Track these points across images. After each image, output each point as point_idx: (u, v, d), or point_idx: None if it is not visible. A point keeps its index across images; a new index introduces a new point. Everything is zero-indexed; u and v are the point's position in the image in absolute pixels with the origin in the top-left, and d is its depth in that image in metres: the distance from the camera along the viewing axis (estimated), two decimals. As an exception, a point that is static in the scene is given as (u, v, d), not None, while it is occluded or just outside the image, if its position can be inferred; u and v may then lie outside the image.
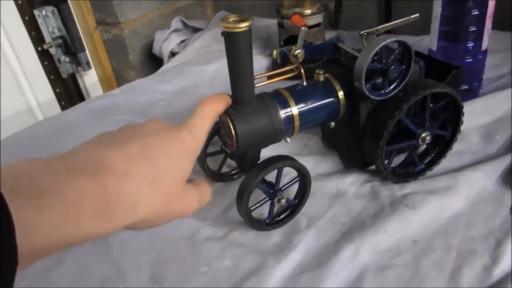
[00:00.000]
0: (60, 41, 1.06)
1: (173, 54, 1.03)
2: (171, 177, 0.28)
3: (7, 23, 0.98)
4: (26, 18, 1.01)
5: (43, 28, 1.03)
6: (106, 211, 0.23)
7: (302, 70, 0.46)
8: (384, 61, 0.43)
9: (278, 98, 0.45)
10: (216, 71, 0.82)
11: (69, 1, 1.03)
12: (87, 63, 1.09)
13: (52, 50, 1.06)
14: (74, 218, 0.22)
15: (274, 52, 0.48)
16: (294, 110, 0.45)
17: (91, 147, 0.26)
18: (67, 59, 1.08)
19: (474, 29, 0.59)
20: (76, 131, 0.70)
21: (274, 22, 0.88)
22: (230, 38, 0.39)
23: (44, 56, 1.07)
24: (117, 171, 0.24)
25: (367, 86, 0.43)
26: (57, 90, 1.11)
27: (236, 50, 0.39)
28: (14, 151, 0.64)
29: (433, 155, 0.52)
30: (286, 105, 0.45)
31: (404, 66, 0.44)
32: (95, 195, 0.23)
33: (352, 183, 0.52)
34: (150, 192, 0.26)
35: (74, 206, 0.22)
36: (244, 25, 0.37)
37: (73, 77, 1.13)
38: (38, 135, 0.71)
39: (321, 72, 0.47)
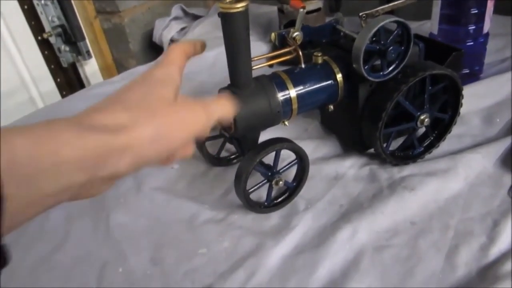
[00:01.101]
0: (59, 30, 1.06)
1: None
2: (147, 101, 0.27)
3: (6, 13, 0.97)
4: (26, 7, 1.00)
5: (42, 17, 1.02)
6: (95, 131, 0.24)
7: (300, 53, 0.46)
8: (382, 42, 0.43)
9: (276, 81, 0.45)
10: (216, 57, 0.82)
11: (68, -11, 1.02)
12: (88, 52, 1.09)
13: (52, 39, 1.06)
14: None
15: (273, 34, 0.48)
16: (292, 92, 0.45)
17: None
18: (67, 48, 1.08)
19: (476, 11, 0.58)
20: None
21: (274, 8, 0.87)
22: (226, 19, 0.39)
23: (44, 46, 1.07)
24: (90, 111, 0.25)
25: (366, 67, 0.43)
26: (58, 79, 1.11)
27: (233, 30, 0.39)
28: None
29: (432, 138, 0.52)
30: (284, 87, 0.45)
31: (403, 47, 0.44)
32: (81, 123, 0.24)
33: (351, 166, 0.52)
34: (131, 116, 0.25)
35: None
36: (240, 5, 0.37)
37: (73, 66, 1.13)
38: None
39: (319, 55, 0.47)
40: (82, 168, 0.22)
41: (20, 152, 0.20)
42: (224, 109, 0.32)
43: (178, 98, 0.30)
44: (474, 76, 0.65)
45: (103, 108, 0.25)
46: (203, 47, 0.36)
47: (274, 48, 0.82)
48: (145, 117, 0.26)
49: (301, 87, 0.45)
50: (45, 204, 0.22)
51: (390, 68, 0.45)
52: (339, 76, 0.47)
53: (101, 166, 0.23)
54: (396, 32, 0.43)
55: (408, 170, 0.50)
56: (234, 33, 0.39)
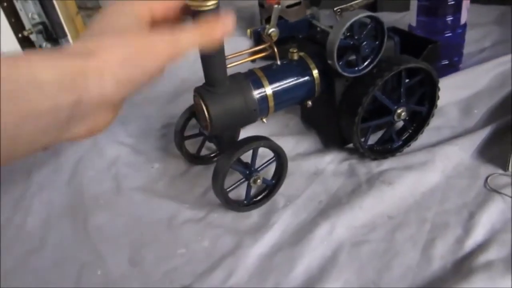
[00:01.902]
0: (40, 27, 1.04)
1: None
2: (115, 26, 0.28)
3: (-16, 11, 0.95)
4: (5, 4, 0.98)
5: (22, 14, 1.00)
6: (70, 55, 0.25)
7: (276, 49, 0.46)
8: (356, 37, 0.43)
9: (252, 78, 0.44)
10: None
11: (47, -14, 1.00)
12: (70, 49, 1.08)
13: (33, 37, 1.04)
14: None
15: (248, 31, 0.48)
16: (268, 90, 0.45)
17: None
18: (49, 46, 1.06)
19: (453, 2, 0.58)
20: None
21: (256, 3, 0.86)
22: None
23: (25, 43, 1.05)
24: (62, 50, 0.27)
25: (340, 63, 0.43)
26: (40, 77, 1.10)
27: (205, 29, 0.38)
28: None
29: (410, 131, 0.52)
30: (259, 85, 0.44)
31: (377, 42, 0.44)
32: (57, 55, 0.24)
33: (331, 162, 0.52)
34: (101, 39, 0.26)
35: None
36: (211, 3, 0.36)
37: (56, 64, 1.12)
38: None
39: (295, 51, 0.47)
40: (63, 88, 0.23)
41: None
42: (201, 36, 0.30)
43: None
44: (453, 67, 0.65)
45: (80, 41, 0.27)
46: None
47: (257, 43, 0.82)
48: (112, 42, 0.26)
49: (277, 84, 0.45)
50: (39, 125, 0.23)
51: (365, 63, 0.44)
52: (315, 72, 0.46)
53: (83, 87, 0.24)
54: (369, 27, 0.42)
55: (387, 164, 0.50)
56: (206, 32, 0.38)
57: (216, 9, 0.37)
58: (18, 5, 0.99)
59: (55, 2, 1.03)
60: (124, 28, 0.28)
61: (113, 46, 0.26)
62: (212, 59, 0.41)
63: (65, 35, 1.06)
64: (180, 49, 0.29)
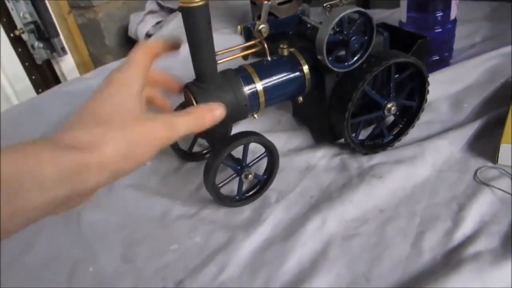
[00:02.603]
0: (32, 26, 1.04)
1: (148, 36, 1.01)
2: (116, 114, 0.28)
3: (-25, 10, 0.95)
4: (-4, 4, 0.98)
5: (13, 14, 1.00)
6: (69, 149, 0.25)
7: (266, 45, 0.46)
8: (345, 33, 0.43)
9: (242, 74, 0.45)
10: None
11: (39, -15, 1.00)
12: (62, 48, 1.07)
13: (25, 36, 1.04)
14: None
15: (239, 27, 0.48)
16: (259, 86, 0.45)
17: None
18: (41, 45, 1.06)
19: (442, -2, 0.59)
20: (49, 115, 0.69)
21: (248, 0, 0.86)
22: (187, 14, 0.38)
23: (17, 43, 1.05)
24: (66, 129, 0.27)
25: (330, 58, 0.43)
26: (33, 77, 1.09)
27: (194, 25, 0.39)
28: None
29: (401, 125, 0.53)
30: (250, 81, 0.45)
31: (366, 37, 0.44)
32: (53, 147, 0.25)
33: (322, 157, 0.52)
34: (103, 131, 0.27)
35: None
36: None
37: (48, 63, 1.11)
38: (10, 120, 0.71)
39: (285, 47, 0.47)
40: (63, 184, 0.24)
41: (3, 171, 0.22)
42: (195, 121, 0.32)
43: (144, 103, 0.31)
44: (444, 62, 0.65)
45: (77, 124, 0.27)
46: (177, 44, 0.37)
47: (248, 39, 0.82)
48: (113, 134, 0.27)
49: (268, 80, 0.45)
50: (30, 217, 0.24)
51: (355, 58, 0.45)
52: (305, 68, 0.47)
53: (82, 181, 0.25)
54: (358, 22, 0.43)
55: (378, 158, 0.50)
56: (196, 28, 0.39)
57: (206, 5, 0.38)
58: (9, 5, 0.98)
59: (47, 2, 1.03)
60: (129, 111, 0.29)
61: (115, 139, 0.27)
62: (202, 55, 0.41)
63: (57, 35, 1.06)
64: (175, 134, 0.31)
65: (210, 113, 0.33)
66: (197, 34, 0.39)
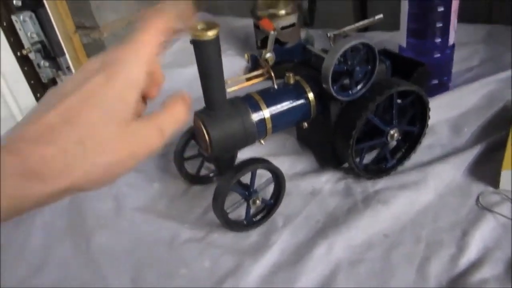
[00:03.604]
0: (39, 46, 1.06)
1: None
2: (103, 130, 0.25)
3: (-16, 31, 0.97)
4: (4, 24, 1.00)
5: (21, 34, 1.02)
6: (33, 177, 0.23)
7: (273, 74, 0.47)
8: (350, 63, 0.44)
9: (250, 102, 0.46)
10: (195, 73, 0.81)
11: (46, 6, 1.02)
12: (68, 67, 1.09)
13: (32, 55, 1.06)
14: None
15: (246, 56, 0.49)
16: (266, 113, 0.46)
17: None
18: (47, 64, 1.08)
19: (441, 25, 0.61)
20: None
21: (251, 22, 0.88)
22: (198, 46, 0.40)
23: (24, 62, 1.06)
24: (36, 140, 0.24)
25: (335, 87, 0.45)
26: (38, 95, 1.11)
27: (205, 57, 0.40)
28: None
29: (403, 150, 0.54)
30: (257, 108, 0.46)
31: (369, 67, 0.46)
32: (11, 163, 0.23)
33: (327, 181, 0.53)
34: (80, 154, 0.24)
35: None
36: (211, 33, 0.38)
37: (54, 81, 1.13)
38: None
39: (291, 75, 0.48)
40: (14, 213, 0.23)
41: None
42: (177, 120, 0.30)
43: (97, 75, 0.26)
44: (443, 86, 0.67)
45: (49, 133, 0.24)
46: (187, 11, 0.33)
47: (254, 66, 0.84)
48: (95, 155, 0.25)
49: (275, 108, 0.47)
50: None
51: (358, 87, 0.46)
52: (310, 95, 0.48)
53: (35, 207, 0.24)
54: (362, 53, 0.44)
55: (382, 183, 0.51)
56: (207, 59, 0.40)
57: (217, 38, 0.39)
58: (17, 25, 1.00)
59: (53, 22, 1.05)
60: (116, 122, 0.26)
61: (93, 165, 0.24)
62: (212, 84, 0.42)
63: (63, 54, 1.08)
64: (165, 139, 0.28)
65: (184, 107, 0.30)
66: (208, 65, 0.41)
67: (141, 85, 0.27)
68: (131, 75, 0.27)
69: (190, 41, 0.40)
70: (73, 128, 0.24)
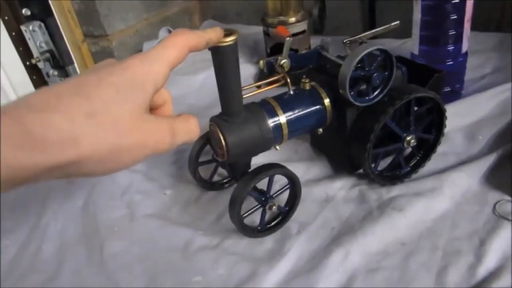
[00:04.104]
0: (48, 55, 1.06)
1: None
2: (115, 109, 0.24)
3: (-6, 39, 0.97)
4: (13, 33, 1.01)
5: (30, 43, 1.03)
6: (34, 145, 0.21)
7: (289, 80, 0.47)
8: (367, 69, 0.44)
9: (266, 108, 0.46)
10: (204, 80, 0.83)
11: (55, 15, 1.03)
12: (76, 75, 1.10)
13: (40, 65, 1.06)
14: None
15: (261, 62, 0.49)
16: (282, 118, 0.46)
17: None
18: (56, 73, 1.08)
19: (454, 32, 0.61)
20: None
21: (260, 29, 0.89)
22: (217, 52, 0.40)
23: (33, 71, 1.07)
24: (40, 107, 0.22)
25: (352, 93, 0.44)
26: (47, 103, 1.11)
27: (224, 63, 0.40)
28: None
29: (418, 157, 0.53)
30: (274, 114, 0.46)
31: (386, 73, 0.46)
32: (10, 129, 0.21)
33: (341, 188, 0.53)
34: (90, 126, 0.23)
35: None
36: (230, 39, 0.38)
37: (62, 89, 1.13)
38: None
39: (307, 81, 0.48)
40: (8, 184, 0.21)
41: None
42: (190, 134, 0.30)
43: (119, 61, 0.27)
44: (455, 94, 0.67)
45: (60, 104, 0.23)
46: (216, 37, 0.34)
47: (262, 72, 0.84)
48: (105, 131, 0.23)
49: (291, 113, 0.47)
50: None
51: (375, 93, 0.46)
52: (326, 101, 0.48)
53: (31, 180, 0.22)
54: (379, 59, 0.44)
55: (396, 190, 0.51)
56: (225, 66, 0.40)
57: (235, 44, 0.39)
58: (27, 35, 1.01)
59: (62, 31, 1.06)
60: (130, 109, 0.25)
61: (104, 139, 0.23)
62: (229, 91, 0.42)
63: (71, 63, 1.08)
64: (174, 146, 0.28)
65: (197, 126, 0.31)
66: (226, 72, 0.41)
67: (160, 83, 0.27)
68: (153, 69, 0.27)
69: (208, 48, 0.40)
70: (84, 100, 0.23)
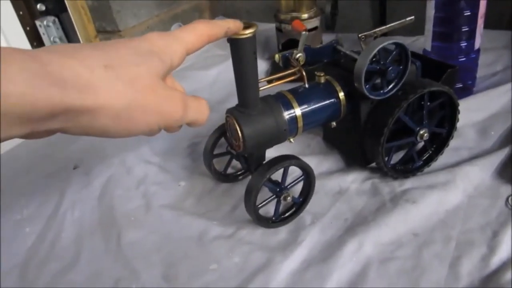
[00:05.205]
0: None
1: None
2: (134, 67, 0.24)
3: (9, 34, 0.99)
4: (28, 28, 1.02)
5: (44, 38, 1.04)
6: (50, 80, 0.20)
7: (304, 73, 0.48)
8: (382, 62, 0.45)
9: (282, 100, 0.47)
10: (217, 75, 0.84)
11: (69, 10, 1.04)
12: (88, 70, 1.11)
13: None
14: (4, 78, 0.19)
15: (277, 56, 0.50)
16: (298, 111, 0.47)
17: None
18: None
19: (467, 29, 0.61)
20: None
21: (271, 26, 0.89)
22: (235, 45, 0.41)
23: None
24: (60, 52, 0.22)
25: (367, 86, 0.45)
26: (59, 97, 1.13)
27: (242, 55, 0.41)
28: (14, 164, 0.66)
29: (430, 151, 0.54)
30: (289, 106, 0.47)
31: (401, 67, 0.46)
32: (27, 63, 0.20)
33: (354, 181, 0.54)
34: (109, 77, 0.23)
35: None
36: (249, 31, 0.39)
37: (74, 85, 1.15)
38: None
39: (322, 74, 0.49)
40: (24, 123, 0.20)
41: None
42: (200, 114, 0.31)
43: (167, 79, 0.28)
44: (467, 90, 0.67)
45: (80, 53, 0.23)
46: (235, 28, 0.35)
47: (273, 65, 0.85)
48: (124, 85, 0.23)
49: (306, 106, 0.47)
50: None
51: (390, 86, 0.47)
52: (341, 95, 0.49)
53: (47, 123, 0.21)
54: (394, 53, 0.45)
55: (409, 183, 0.51)
56: (243, 58, 0.41)
57: (254, 37, 0.40)
58: (41, 30, 1.03)
59: (75, 26, 1.07)
60: (148, 69, 0.25)
61: (122, 92, 0.23)
62: (247, 83, 0.43)
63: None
64: (184, 121, 0.29)
65: (207, 110, 0.32)
66: (243, 64, 0.41)
67: (176, 62, 0.28)
68: (170, 45, 0.28)
69: (227, 40, 0.41)
70: (104, 54, 0.23)
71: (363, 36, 0.49)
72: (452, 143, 0.55)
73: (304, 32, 0.48)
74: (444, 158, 0.55)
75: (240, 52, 0.41)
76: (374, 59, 0.45)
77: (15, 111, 0.19)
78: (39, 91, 0.20)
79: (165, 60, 0.27)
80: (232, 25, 0.35)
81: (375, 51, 0.43)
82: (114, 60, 0.24)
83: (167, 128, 0.29)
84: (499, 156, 0.52)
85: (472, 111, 0.60)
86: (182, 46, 0.29)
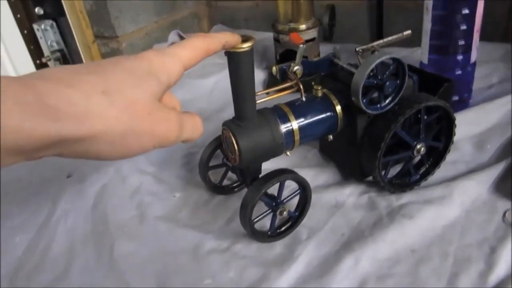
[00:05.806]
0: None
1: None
2: (131, 91, 0.24)
3: (6, 37, 0.99)
4: (25, 32, 1.02)
5: (42, 42, 1.04)
6: (45, 112, 0.20)
7: (301, 86, 0.48)
8: (379, 77, 0.45)
9: (279, 113, 0.46)
10: (215, 84, 0.84)
11: (67, 15, 1.04)
12: (85, 76, 1.10)
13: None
14: None
15: (274, 68, 0.50)
16: (294, 124, 0.46)
17: None
18: (65, 72, 1.09)
19: (463, 43, 0.61)
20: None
21: (269, 35, 0.89)
22: (233, 58, 0.40)
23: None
24: (56, 80, 0.22)
25: (364, 101, 0.45)
26: (55, 103, 1.12)
27: (239, 69, 0.41)
28: (6, 171, 0.65)
29: (427, 165, 0.54)
30: (286, 119, 0.46)
31: (398, 81, 0.46)
32: (22, 95, 0.20)
33: (350, 194, 0.53)
34: (105, 104, 0.23)
35: None
36: (246, 45, 0.39)
37: (71, 90, 1.14)
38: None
39: (319, 88, 0.49)
40: (19, 153, 0.21)
41: None
42: (195, 132, 0.31)
43: (163, 97, 0.28)
44: (463, 103, 0.67)
45: (76, 78, 0.22)
46: (233, 41, 0.35)
47: (271, 75, 0.85)
48: (120, 111, 0.23)
49: (303, 119, 0.47)
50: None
51: (387, 101, 0.47)
52: (338, 108, 0.48)
53: (42, 152, 0.22)
54: (391, 68, 0.45)
55: (406, 198, 0.51)
56: (240, 71, 0.41)
57: (251, 50, 0.40)
58: (38, 34, 1.02)
59: (73, 31, 1.07)
60: (145, 92, 0.25)
61: (119, 119, 0.23)
62: (244, 96, 0.43)
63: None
64: (179, 140, 0.29)
65: (202, 126, 0.32)
66: (240, 77, 0.41)
67: (173, 79, 0.28)
68: (168, 63, 0.28)
69: (225, 53, 0.41)
70: (101, 79, 0.23)
71: (360, 50, 0.49)
72: (449, 156, 0.55)
73: (301, 45, 0.48)
74: (441, 171, 0.55)
75: (237, 65, 0.40)
76: (371, 74, 0.44)
77: (10, 143, 0.20)
78: (34, 124, 0.20)
79: (162, 79, 0.27)
80: (230, 38, 0.35)
81: (373, 66, 0.43)
82: (111, 85, 0.24)
83: (162, 147, 0.29)
84: (496, 170, 0.52)
85: (468, 124, 0.60)
86: (179, 64, 0.29)
